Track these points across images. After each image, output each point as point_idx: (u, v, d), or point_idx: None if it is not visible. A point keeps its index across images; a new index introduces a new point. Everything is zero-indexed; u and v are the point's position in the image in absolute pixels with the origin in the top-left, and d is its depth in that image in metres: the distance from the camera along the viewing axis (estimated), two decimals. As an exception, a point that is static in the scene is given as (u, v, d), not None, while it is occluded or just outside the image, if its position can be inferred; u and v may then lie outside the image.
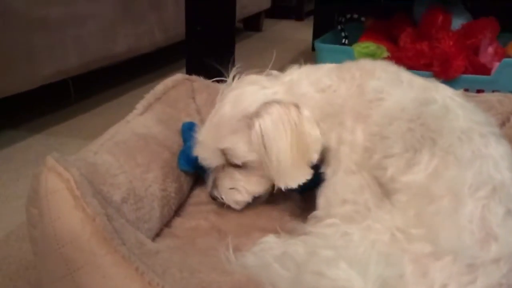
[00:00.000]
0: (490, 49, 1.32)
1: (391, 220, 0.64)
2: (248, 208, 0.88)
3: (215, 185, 0.88)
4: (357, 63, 0.85)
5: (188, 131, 0.97)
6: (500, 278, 0.57)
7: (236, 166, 0.84)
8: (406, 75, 0.80)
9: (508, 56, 1.32)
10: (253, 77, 0.88)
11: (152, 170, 0.85)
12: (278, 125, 0.77)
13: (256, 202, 0.89)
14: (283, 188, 0.81)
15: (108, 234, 0.59)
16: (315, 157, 0.80)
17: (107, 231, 0.59)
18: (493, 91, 1.02)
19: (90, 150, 0.83)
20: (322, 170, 0.81)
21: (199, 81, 1.16)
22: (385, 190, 0.70)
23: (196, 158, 0.92)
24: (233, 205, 0.87)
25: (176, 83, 1.11)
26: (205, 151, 0.86)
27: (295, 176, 0.80)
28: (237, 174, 0.85)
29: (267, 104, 0.79)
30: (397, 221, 0.64)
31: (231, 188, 0.86)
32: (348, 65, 0.85)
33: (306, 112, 0.79)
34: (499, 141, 0.68)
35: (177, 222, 0.86)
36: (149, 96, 1.03)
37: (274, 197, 0.90)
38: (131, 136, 0.89)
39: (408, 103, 0.73)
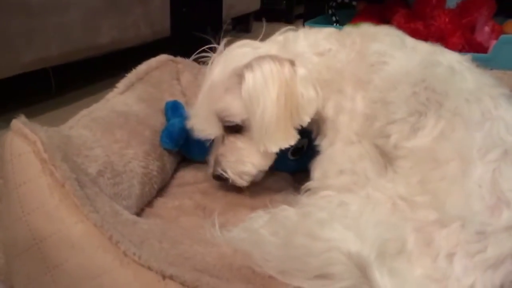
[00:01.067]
0: (487, 28, 1.28)
1: (393, 189, 0.59)
2: (235, 187, 0.81)
3: (217, 162, 0.79)
4: (358, 28, 0.80)
5: (171, 109, 0.92)
6: None
7: (236, 132, 0.77)
8: (410, 40, 0.76)
9: (506, 34, 1.29)
10: (243, 41, 0.82)
11: (132, 146, 0.79)
12: (267, 80, 0.71)
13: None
14: (261, 150, 0.74)
15: (78, 200, 0.53)
16: (305, 120, 0.73)
17: (77, 197, 0.53)
18: (491, 69, 0.98)
19: (65, 126, 0.78)
20: (317, 142, 0.76)
21: (184, 63, 1.11)
22: (389, 160, 0.65)
23: (179, 136, 0.87)
24: (238, 180, 0.78)
25: (160, 64, 1.06)
26: (201, 121, 0.78)
27: (277, 138, 0.73)
28: (239, 143, 0.77)
29: (259, 57, 0.73)
30: (399, 189, 0.59)
31: (235, 161, 0.78)
32: (349, 30, 0.80)
33: (301, 70, 0.73)
34: (510, 103, 0.62)
35: (160, 202, 0.80)
36: (131, 76, 0.98)
37: (264, 177, 0.84)
38: (110, 113, 0.84)
39: (413, 66, 0.69)
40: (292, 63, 0.73)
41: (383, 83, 0.69)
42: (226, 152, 0.78)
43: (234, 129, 0.77)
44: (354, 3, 1.59)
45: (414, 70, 0.68)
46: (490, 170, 0.55)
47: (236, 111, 0.75)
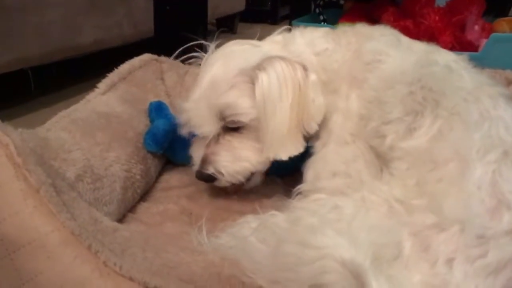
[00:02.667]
0: (477, 27, 1.27)
1: (388, 191, 0.56)
2: (223, 191, 0.78)
3: (208, 161, 0.73)
4: (353, 27, 0.78)
5: (156, 110, 0.89)
6: None
7: (234, 132, 0.73)
8: (405, 39, 0.74)
9: (496, 33, 1.28)
10: (238, 40, 0.79)
11: (113, 149, 0.76)
12: (282, 84, 0.68)
13: (248, 184, 0.77)
14: (271, 158, 0.72)
15: (54, 207, 0.49)
16: (314, 128, 0.71)
17: (53, 204, 0.49)
18: (482, 68, 0.96)
19: (43, 128, 0.74)
20: (310, 143, 0.73)
21: (168, 62, 1.07)
22: (384, 161, 0.62)
23: (164, 138, 0.84)
24: (234, 179, 0.73)
25: (143, 63, 1.03)
26: (199, 116, 0.73)
27: (287, 146, 0.70)
28: (236, 143, 0.73)
29: (271, 58, 0.69)
30: (395, 192, 0.56)
31: (231, 161, 0.73)
32: (344, 29, 0.78)
33: (313, 76, 0.71)
34: (509, 103, 0.60)
35: (143, 207, 0.77)
36: (113, 75, 0.94)
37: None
38: (91, 114, 0.80)
39: (409, 65, 0.67)
40: (304, 68, 0.71)
41: (378, 82, 0.67)
42: (221, 151, 0.73)
43: (234, 127, 0.73)
44: (341, 2, 1.57)
45: (410, 69, 0.66)
46: (489, 171, 0.52)
47: (244, 110, 0.70)
